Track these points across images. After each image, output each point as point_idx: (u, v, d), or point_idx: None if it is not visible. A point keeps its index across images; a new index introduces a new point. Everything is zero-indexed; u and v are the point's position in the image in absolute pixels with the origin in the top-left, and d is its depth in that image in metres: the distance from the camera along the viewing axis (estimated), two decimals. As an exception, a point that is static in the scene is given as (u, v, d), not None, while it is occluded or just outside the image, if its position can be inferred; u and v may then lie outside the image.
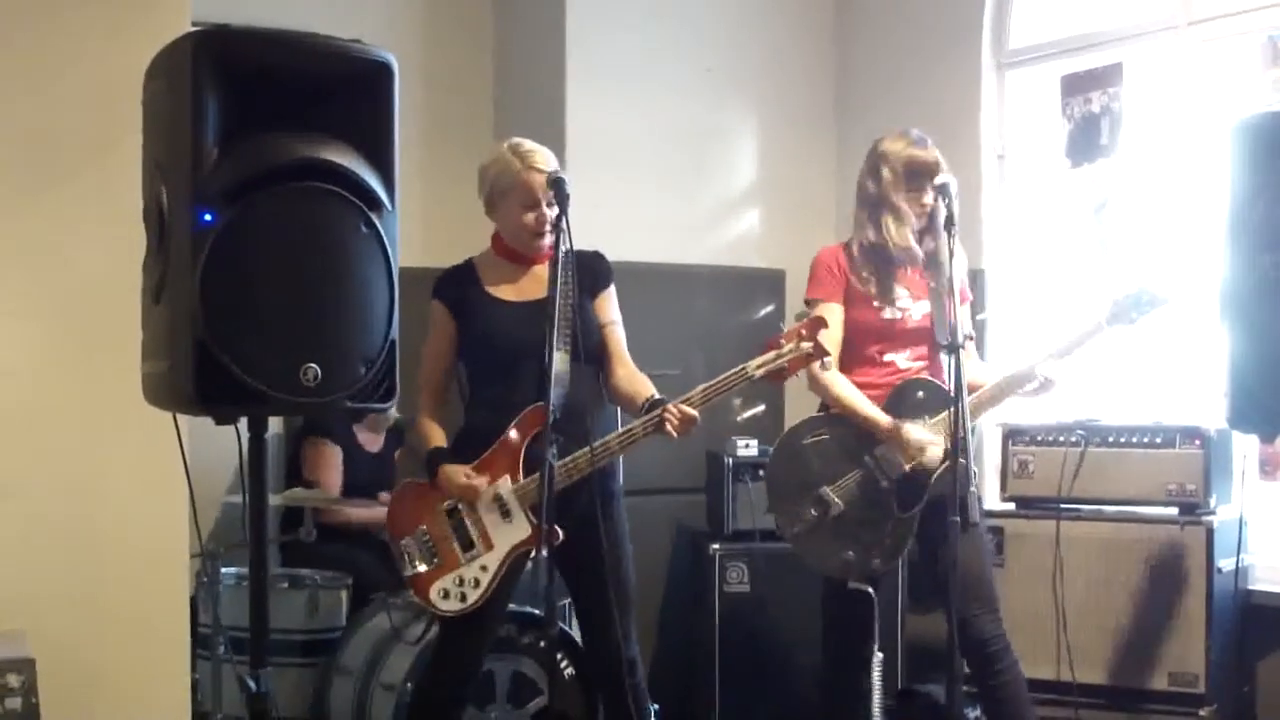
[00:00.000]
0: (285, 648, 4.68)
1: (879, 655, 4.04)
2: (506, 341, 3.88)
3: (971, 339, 4.15)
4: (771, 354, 3.74)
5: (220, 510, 5.18)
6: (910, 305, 4.10)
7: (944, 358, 4.07)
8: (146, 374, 2.61)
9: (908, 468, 3.97)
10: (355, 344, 2.51)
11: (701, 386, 3.75)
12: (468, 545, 3.83)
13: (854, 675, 4.09)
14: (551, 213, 3.81)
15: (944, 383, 4.01)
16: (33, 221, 3.83)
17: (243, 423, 2.57)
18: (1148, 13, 5.19)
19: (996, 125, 5.67)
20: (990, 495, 5.19)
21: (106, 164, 3.72)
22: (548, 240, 3.84)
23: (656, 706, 4.61)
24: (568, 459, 3.71)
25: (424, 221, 5.50)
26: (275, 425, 5.38)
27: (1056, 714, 4.62)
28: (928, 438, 3.96)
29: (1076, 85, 5.33)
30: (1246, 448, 4.61)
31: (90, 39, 3.88)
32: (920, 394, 4.05)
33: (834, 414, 4.11)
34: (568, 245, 3.66)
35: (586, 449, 3.72)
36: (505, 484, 3.83)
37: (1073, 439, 4.75)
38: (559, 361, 3.69)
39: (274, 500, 4.65)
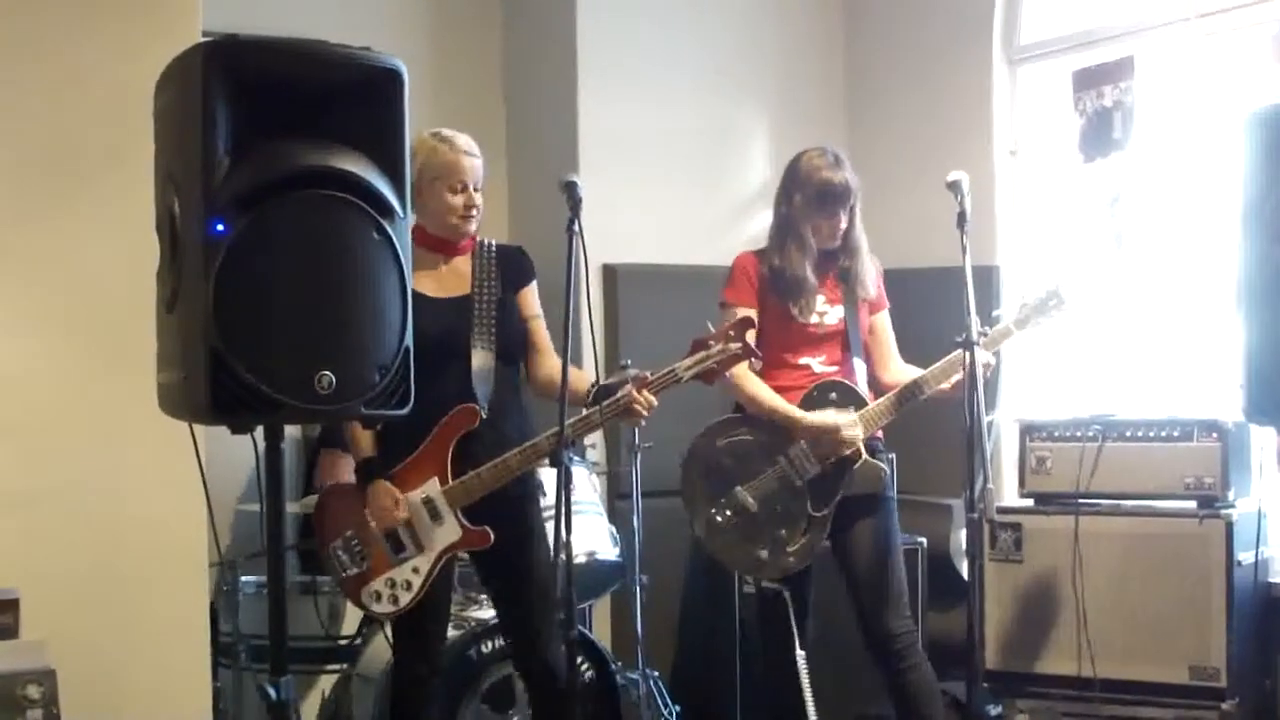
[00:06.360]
0: (306, 655, 4.70)
1: (801, 654, 4.07)
2: (427, 338, 3.83)
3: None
4: (700, 354, 3.66)
5: (237, 518, 5.20)
6: (826, 309, 4.13)
7: (857, 362, 4.15)
8: (162, 384, 2.61)
9: (836, 457, 4.00)
10: (369, 351, 2.51)
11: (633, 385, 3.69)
12: (398, 548, 3.77)
13: (783, 676, 4.12)
14: (478, 196, 3.82)
15: (856, 385, 4.09)
16: (49, 232, 3.86)
17: (259, 431, 2.57)
18: (1158, 6, 5.17)
19: (1008, 121, 5.66)
20: (1009, 492, 5.18)
21: (121, 174, 3.74)
22: (473, 225, 3.84)
23: (678, 708, 4.62)
24: (498, 459, 3.69)
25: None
26: (294, 432, 5.39)
27: (1077, 709, 4.61)
28: (840, 419, 3.98)
29: (1088, 79, 5.32)
30: (1264, 440, 4.60)
31: (101, 51, 3.90)
32: (833, 395, 4.08)
33: (749, 414, 4.12)
34: (581, 250, 3.63)
35: (516, 450, 3.69)
36: (434, 485, 3.76)
37: (1090, 434, 4.74)
38: (481, 359, 3.69)
39: (292, 508, 4.66)
